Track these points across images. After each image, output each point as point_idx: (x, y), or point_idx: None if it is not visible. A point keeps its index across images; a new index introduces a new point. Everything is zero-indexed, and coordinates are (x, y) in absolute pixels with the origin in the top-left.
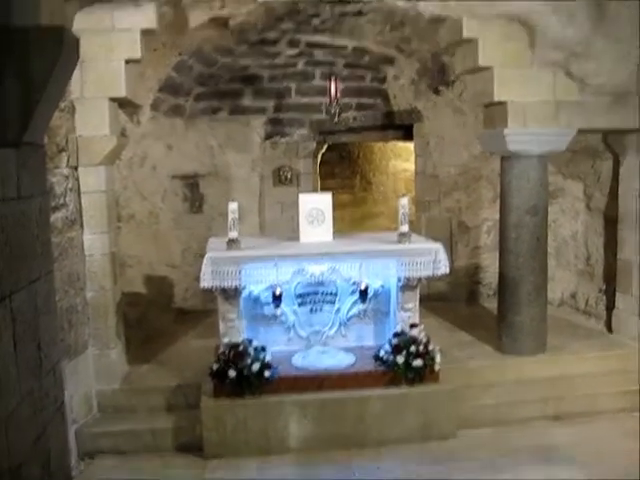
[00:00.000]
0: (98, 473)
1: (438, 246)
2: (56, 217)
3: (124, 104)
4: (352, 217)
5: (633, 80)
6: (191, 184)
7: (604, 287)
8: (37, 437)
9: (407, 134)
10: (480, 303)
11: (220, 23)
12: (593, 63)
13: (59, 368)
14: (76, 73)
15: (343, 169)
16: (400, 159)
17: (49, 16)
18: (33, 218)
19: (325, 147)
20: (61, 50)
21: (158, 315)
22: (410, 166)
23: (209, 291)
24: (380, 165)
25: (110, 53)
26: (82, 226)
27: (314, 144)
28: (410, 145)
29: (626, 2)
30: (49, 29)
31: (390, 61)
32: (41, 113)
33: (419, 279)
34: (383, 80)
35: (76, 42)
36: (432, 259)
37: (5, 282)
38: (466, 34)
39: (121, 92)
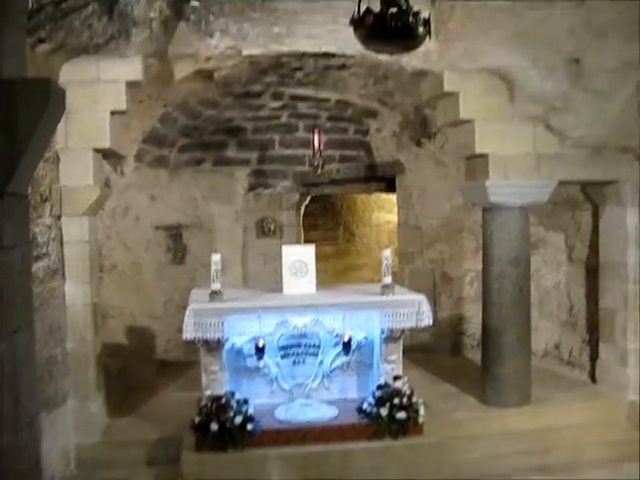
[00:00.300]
0: None
1: (421, 297)
2: (38, 267)
3: (108, 155)
4: (335, 269)
5: (611, 133)
6: (174, 235)
7: (587, 337)
8: None
9: (390, 186)
10: (464, 354)
11: (205, 76)
12: (572, 116)
13: (37, 421)
14: (61, 124)
15: (326, 221)
16: (383, 211)
17: (35, 69)
18: (15, 268)
19: (308, 199)
20: (47, 102)
21: (139, 367)
22: (393, 218)
23: (191, 343)
24: (363, 217)
25: (95, 104)
26: (64, 276)
27: (297, 196)
28: (393, 197)
29: (603, 57)
30: (36, 81)
31: (373, 114)
32: (26, 164)
33: (402, 331)
34: (366, 132)
35: (62, 94)
36: (415, 310)
37: None
38: (447, 88)
39: (106, 143)
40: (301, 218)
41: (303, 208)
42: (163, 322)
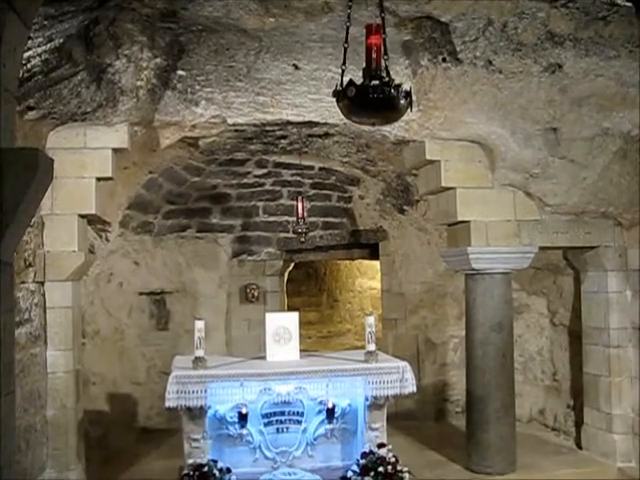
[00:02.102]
0: None
1: (404, 364)
2: (20, 332)
3: (93, 221)
4: (319, 335)
5: (589, 199)
6: (158, 301)
7: (572, 402)
8: None
9: (373, 252)
10: (448, 421)
11: (190, 143)
12: (551, 184)
13: None
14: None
15: (310, 287)
16: (366, 277)
17: (23, 135)
18: None
19: (292, 265)
20: (36, 172)
21: (121, 434)
22: (376, 284)
23: (174, 410)
24: (346, 283)
25: (82, 171)
26: (46, 342)
27: (281, 262)
28: (376, 263)
29: (579, 126)
30: (24, 151)
31: (356, 181)
32: (12, 234)
33: (387, 398)
34: (349, 200)
35: (51, 164)
36: (399, 377)
37: None
38: (429, 156)
39: (91, 209)
40: (285, 284)
41: (287, 274)
42: (145, 389)
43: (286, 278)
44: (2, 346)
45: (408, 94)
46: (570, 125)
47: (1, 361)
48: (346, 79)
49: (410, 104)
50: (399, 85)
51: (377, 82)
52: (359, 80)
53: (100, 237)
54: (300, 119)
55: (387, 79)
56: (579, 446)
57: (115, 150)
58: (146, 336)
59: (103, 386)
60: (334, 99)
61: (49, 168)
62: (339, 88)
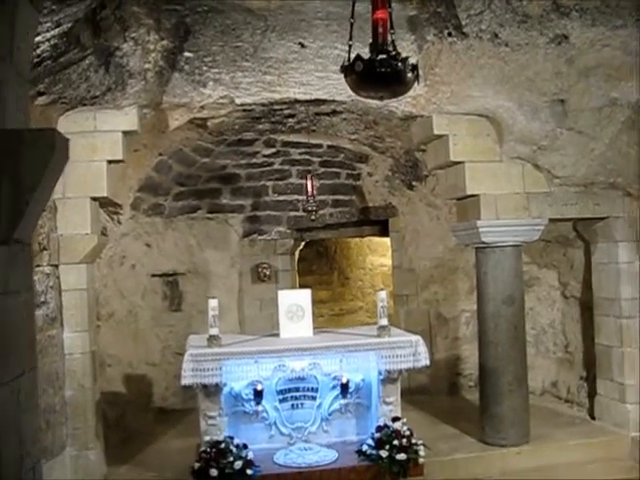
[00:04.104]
0: None
1: (417, 338)
2: (37, 315)
3: (105, 204)
4: (331, 313)
5: (598, 170)
6: (170, 282)
7: (584, 374)
8: None
9: (383, 229)
10: (461, 395)
11: (199, 124)
12: (559, 155)
13: (39, 468)
14: None
15: (321, 265)
16: (376, 254)
17: (34, 121)
18: (19, 313)
19: (302, 244)
20: (53, 152)
21: (137, 414)
22: (387, 261)
23: (189, 389)
24: (357, 260)
25: (93, 154)
26: (62, 324)
27: (291, 241)
28: (386, 240)
29: (586, 97)
30: (41, 132)
31: (364, 158)
32: (31, 213)
33: (400, 372)
34: (358, 177)
35: (66, 144)
36: (412, 351)
37: None
38: (437, 131)
39: (103, 192)
40: (296, 263)
41: (297, 253)
42: (160, 369)
43: (297, 257)
44: (24, 323)
45: (415, 67)
46: (577, 96)
47: (25, 337)
48: (353, 54)
49: (417, 77)
50: (406, 58)
51: (384, 56)
52: (366, 56)
53: (112, 220)
54: (307, 97)
55: (394, 53)
56: (592, 417)
57: (125, 133)
58: (160, 317)
59: (119, 368)
60: (341, 75)
61: (65, 148)
62: (346, 63)
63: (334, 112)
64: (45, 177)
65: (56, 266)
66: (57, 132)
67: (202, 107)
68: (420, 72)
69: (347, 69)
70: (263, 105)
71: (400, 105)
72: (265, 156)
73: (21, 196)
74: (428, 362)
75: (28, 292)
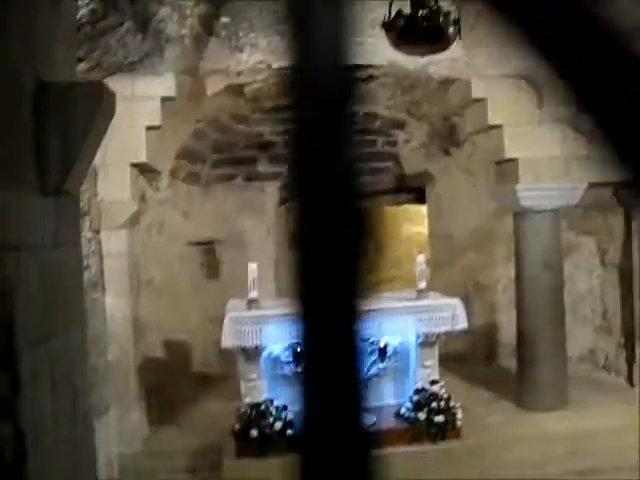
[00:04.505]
0: None
1: (456, 301)
2: None
3: (144, 170)
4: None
5: None
6: (207, 250)
7: (623, 341)
8: None
9: (419, 197)
10: (498, 362)
11: (236, 91)
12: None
13: (91, 418)
14: None
15: None
16: (412, 223)
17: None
18: (69, 268)
19: None
20: (101, 104)
21: (176, 380)
22: (422, 230)
23: (227, 356)
24: (392, 229)
25: (131, 120)
26: (104, 289)
27: None
28: (421, 208)
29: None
30: (90, 85)
31: (401, 125)
32: (80, 164)
33: (438, 335)
34: (394, 144)
35: (113, 98)
36: (451, 314)
37: (44, 326)
38: (475, 94)
39: (142, 158)
40: None
41: None
42: (199, 336)
43: None
44: (74, 277)
45: (457, 22)
46: None
47: (76, 291)
48: (394, 10)
49: (459, 32)
50: (447, 13)
51: (425, 11)
52: (407, 11)
53: (151, 186)
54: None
55: (435, 8)
56: (631, 384)
57: (163, 99)
58: (197, 285)
59: (158, 334)
60: (379, 39)
61: (112, 101)
62: (388, 19)
63: (371, 77)
64: (93, 129)
65: (97, 231)
66: (105, 85)
67: (239, 73)
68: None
69: (388, 25)
70: None
71: (438, 68)
72: None
73: (70, 147)
74: (466, 325)
75: (76, 247)
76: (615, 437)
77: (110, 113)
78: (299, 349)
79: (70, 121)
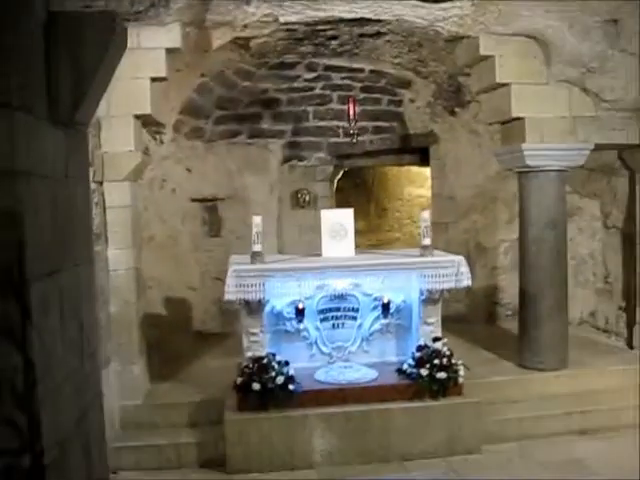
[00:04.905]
0: None
1: (460, 258)
2: None
3: (148, 122)
4: (368, 243)
5: None
6: (210, 207)
7: (623, 304)
8: (79, 418)
9: (423, 158)
10: (499, 324)
11: (241, 45)
12: (609, 79)
13: (98, 356)
14: None
15: (358, 196)
16: (414, 185)
17: None
18: (78, 202)
19: (342, 172)
20: (114, 34)
21: (177, 336)
22: (425, 192)
23: (228, 314)
24: (395, 192)
25: (136, 71)
26: (107, 241)
27: (331, 168)
28: (424, 171)
29: None
30: (102, 14)
31: (406, 84)
32: (91, 97)
33: (442, 292)
34: (399, 103)
35: (125, 30)
36: (454, 271)
37: (54, 257)
38: (483, 52)
39: (146, 109)
40: (334, 191)
41: (336, 182)
42: (200, 294)
43: (335, 186)
44: (83, 212)
45: None
46: (632, 16)
47: (85, 225)
48: None
49: None
50: None
51: None
52: None
53: (154, 140)
54: (352, 16)
55: None
56: (630, 346)
57: (168, 50)
58: (199, 242)
59: (159, 290)
60: None
61: (124, 33)
62: None
63: (378, 34)
64: (106, 59)
65: (100, 183)
66: (117, 16)
67: (245, 26)
68: None
69: None
70: (307, 25)
71: (446, 25)
72: (306, 80)
73: (82, 77)
74: (470, 283)
75: (86, 182)
76: (613, 397)
77: (122, 45)
78: (301, 306)
79: (82, 51)
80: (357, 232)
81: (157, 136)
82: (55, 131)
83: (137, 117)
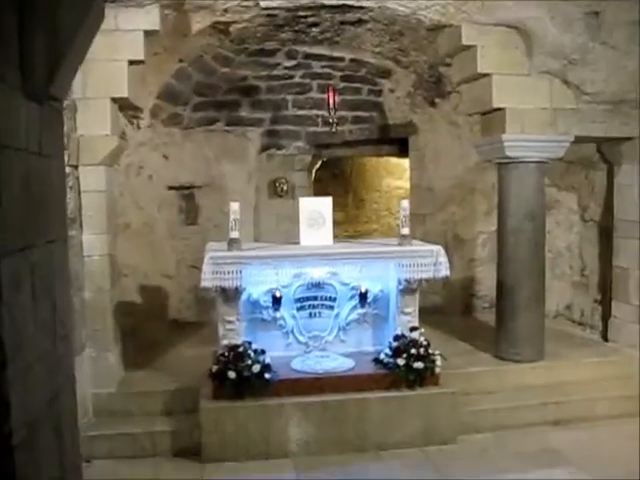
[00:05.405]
0: (93, 476)
1: (439, 248)
2: None
3: (125, 106)
4: (345, 234)
5: (629, 88)
6: (186, 195)
7: (599, 297)
8: (50, 400)
9: (402, 149)
10: (475, 316)
11: (221, 30)
12: (590, 71)
13: (71, 338)
14: (78, 73)
15: (336, 187)
16: (393, 177)
17: None
18: (52, 178)
19: (320, 162)
20: (91, 5)
21: (152, 325)
22: (403, 183)
23: (204, 303)
24: (373, 183)
25: (114, 53)
26: (81, 226)
27: (309, 157)
28: (403, 162)
29: (623, 11)
30: None
31: (387, 73)
32: (67, 68)
33: (420, 282)
34: (379, 93)
35: (103, 2)
36: (433, 261)
37: (26, 233)
38: (465, 41)
39: (123, 92)
40: (312, 181)
41: (314, 172)
42: (175, 282)
43: (313, 176)
44: (57, 189)
45: None
46: (613, 8)
47: (59, 203)
48: None
49: None
50: None
51: None
52: None
53: (131, 124)
54: (334, 2)
55: None
56: (605, 339)
57: (146, 33)
58: (175, 230)
59: (134, 278)
60: None
61: (101, 5)
62: None
63: (359, 21)
64: (82, 30)
65: (75, 167)
66: None
67: (225, 10)
68: None
69: None
70: (288, 10)
71: (429, 13)
72: (286, 68)
73: (57, 49)
74: (449, 273)
75: (61, 159)
76: (588, 389)
77: (100, 15)
78: (278, 294)
79: (58, 17)
80: (335, 223)
81: (134, 121)
82: (29, 104)
83: (114, 100)
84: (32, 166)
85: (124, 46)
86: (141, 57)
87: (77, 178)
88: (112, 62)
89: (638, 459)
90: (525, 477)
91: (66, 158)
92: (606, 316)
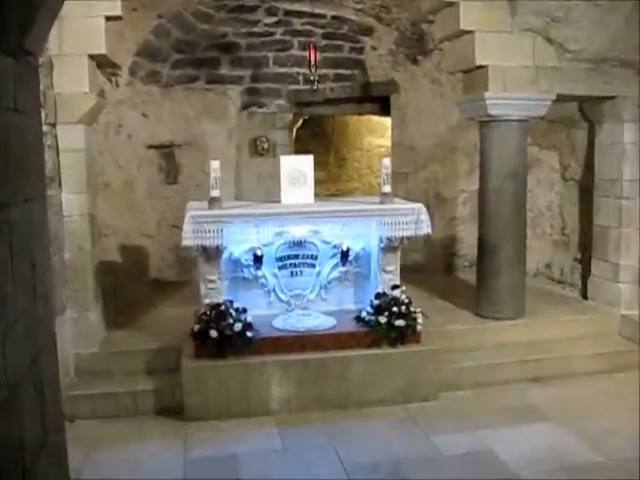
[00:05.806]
0: (76, 436)
1: (420, 206)
2: None
3: (103, 64)
4: (327, 193)
5: (611, 47)
6: (166, 154)
7: (579, 256)
8: (31, 360)
9: (383, 107)
10: (456, 274)
11: None
12: (573, 29)
13: (51, 297)
14: (54, 29)
15: (317, 146)
16: (374, 135)
17: None
18: (28, 136)
19: (301, 121)
20: None
21: (133, 284)
22: (384, 142)
23: (185, 262)
24: (354, 142)
25: (90, 9)
26: (60, 185)
27: (291, 116)
28: (384, 120)
29: None
30: None
31: (369, 31)
32: (41, 21)
33: (401, 240)
34: (361, 51)
35: None
36: (414, 219)
37: (3, 190)
38: None
39: (101, 49)
40: (293, 139)
41: (295, 130)
42: (156, 241)
43: (294, 135)
44: (34, 146)
45: None
46: None
47: (37, 160)
48: None
49: None
50: None
51: None
52: None
53: (110, 82)
54: None
55: None
56: (585, 297)
57: None
58: (156, 189)
59: (115, 238)
60: None
61: None
62: None
63: None
64: None
65: (53, 125)
66: None
67: None
68: None
69: None
70: None
71: None
72: (267, 25)
73: (30, 1)
74: (430, 230)
75: (37, 116)
76: (568, 346)
77: None
78: (260, 253)
79: None
80: (316, 182)
81: (112, 78)
82: (4, 59)
83: (91, 57)
84: (7, 123)
85: (101, 2)
86: (118, 13)
87: (55, 137)
88: (89, 18)
89: (615, 414)
90: (505, 432)
91: (43, 116)
92: (586, 274)
